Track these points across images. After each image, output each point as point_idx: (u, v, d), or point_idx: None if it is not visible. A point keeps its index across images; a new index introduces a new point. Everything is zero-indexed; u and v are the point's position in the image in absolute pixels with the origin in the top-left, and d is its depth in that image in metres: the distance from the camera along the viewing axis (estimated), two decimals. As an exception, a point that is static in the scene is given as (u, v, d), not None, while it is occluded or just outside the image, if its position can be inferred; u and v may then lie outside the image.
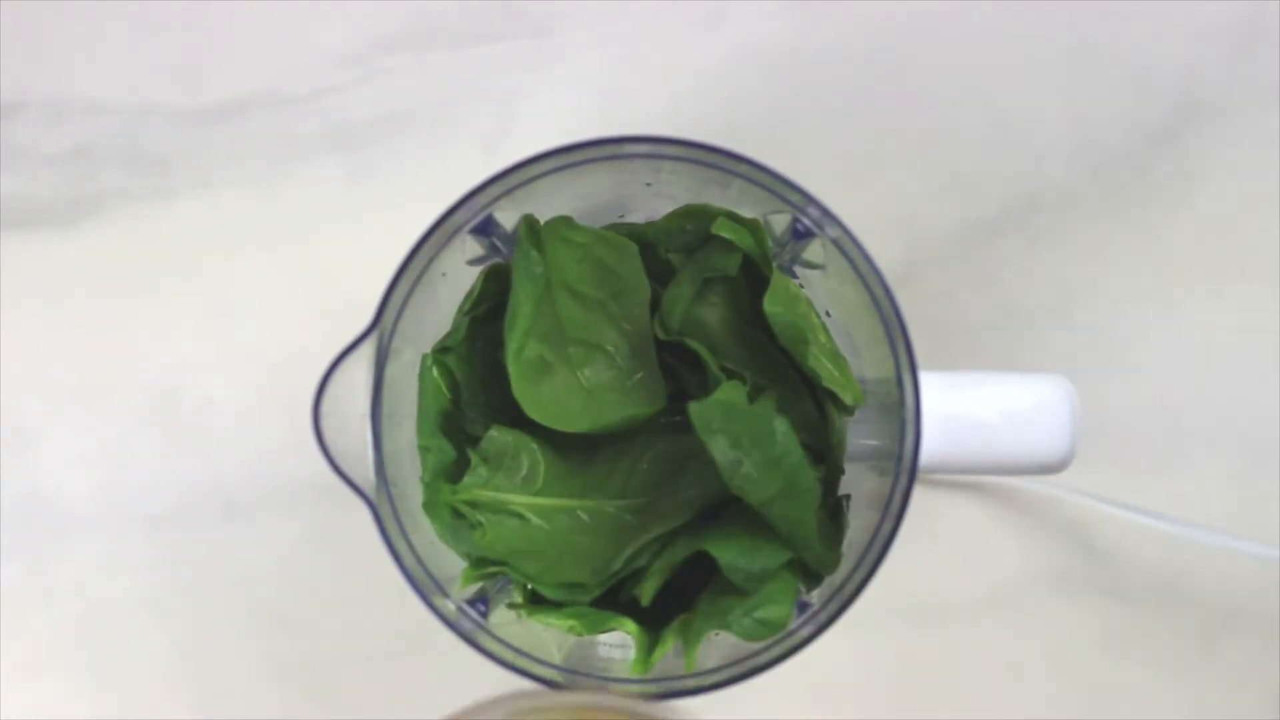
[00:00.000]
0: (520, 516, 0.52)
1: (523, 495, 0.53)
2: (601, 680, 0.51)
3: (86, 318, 0.64)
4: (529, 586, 0.54)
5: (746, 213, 0.54)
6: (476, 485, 0.53)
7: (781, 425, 0.47)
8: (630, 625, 0.52)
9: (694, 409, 0.48)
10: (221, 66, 0.64)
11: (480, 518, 0.52)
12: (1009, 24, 0.64)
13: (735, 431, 0.47)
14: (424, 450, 0.54)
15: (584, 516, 0.53)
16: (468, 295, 0.54)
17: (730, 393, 0.48)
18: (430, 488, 0.53)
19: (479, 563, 0.53)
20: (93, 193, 0.64)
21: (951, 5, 0.64)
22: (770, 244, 0.54)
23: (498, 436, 0.53)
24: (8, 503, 0.63)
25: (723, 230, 0.53)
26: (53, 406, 0.64)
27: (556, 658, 0.52)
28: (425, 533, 0.53)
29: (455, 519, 0.53)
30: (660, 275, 0.54)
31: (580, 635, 0.52)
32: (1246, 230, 0.63)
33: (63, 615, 0.63)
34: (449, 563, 0.53)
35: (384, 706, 0.62)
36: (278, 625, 0.63)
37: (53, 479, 0.64)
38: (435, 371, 0.54)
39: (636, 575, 0.52)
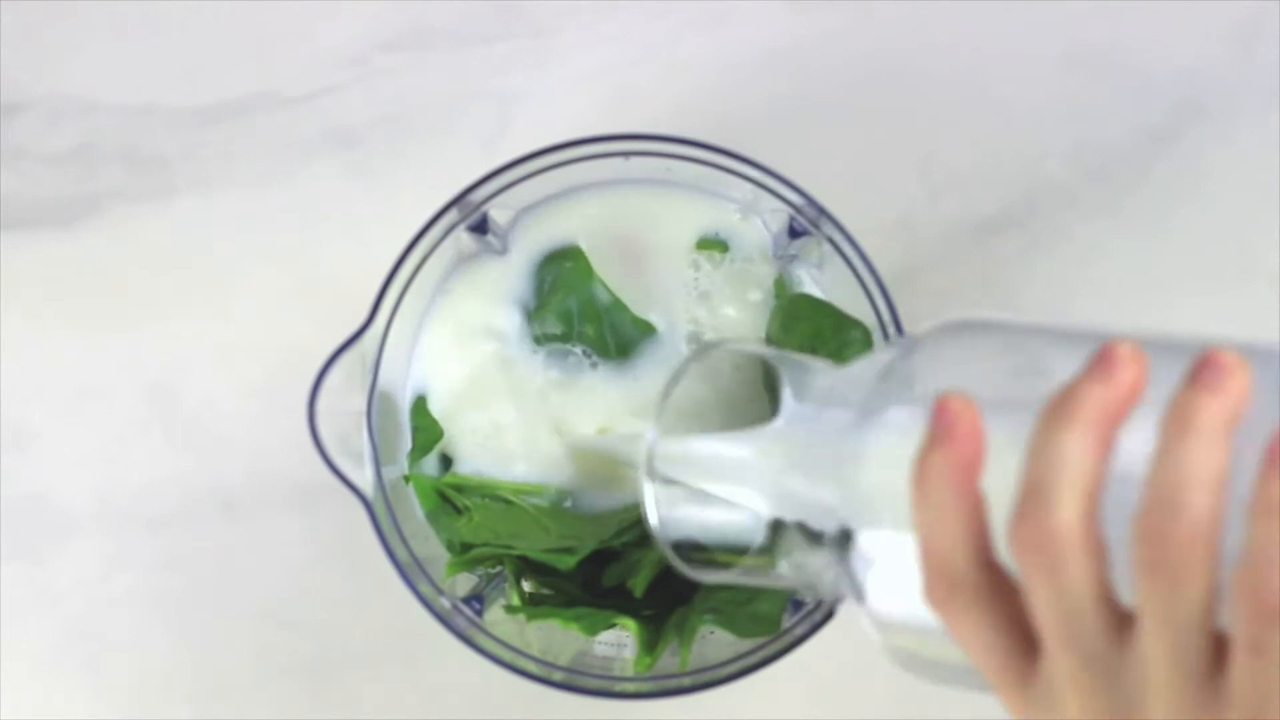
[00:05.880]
0: (507, 501, 0.53)
1: (510, 479, 0.53)
2: (602, 679, 0.52)
3: (86, 318, 0.64)
4: (525, 590, 0.55)
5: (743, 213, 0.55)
6: (464, 470, 0.53)
7: (860, 328, 0.52)
8: (631, 623, 0.52)
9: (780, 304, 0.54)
10: (221, 66, 0.64)
11: (467, 502, 0.52)
12: (1009, 25, 0.64)
13: (818, 324, 0.52)
14: (414, 430, 0.55)
15: (570, 503, 0.53)
16: None
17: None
18: (415, 464, 0.54)
19: (463, 549, 0.53)
20: (93, 193, 0.64)
21: (951, 6, 0.64)
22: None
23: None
24: (8, 503, 0.63)
25: (704, 248, 0.55)
26: (53, 406, 0.64)
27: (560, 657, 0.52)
28: (422, 530, 0.53)
29: (442, 505, 0.53)
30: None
31: (584, 636, 0.52)
32: (1246, 230, 0.63)
33: (63, 615, 0.63)
34: (445, 561, 0.53)
35: (384, 706, 0.62)
36: (278, 625, 0.63)
37: (53, 479, 0.64)
38: None
39: (629, 567, 0.52)
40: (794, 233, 0.52)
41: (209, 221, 0.64)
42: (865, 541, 0.38)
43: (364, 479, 0.50)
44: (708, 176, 0.53)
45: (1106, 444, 0.32)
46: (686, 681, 0.50)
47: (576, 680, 0.51)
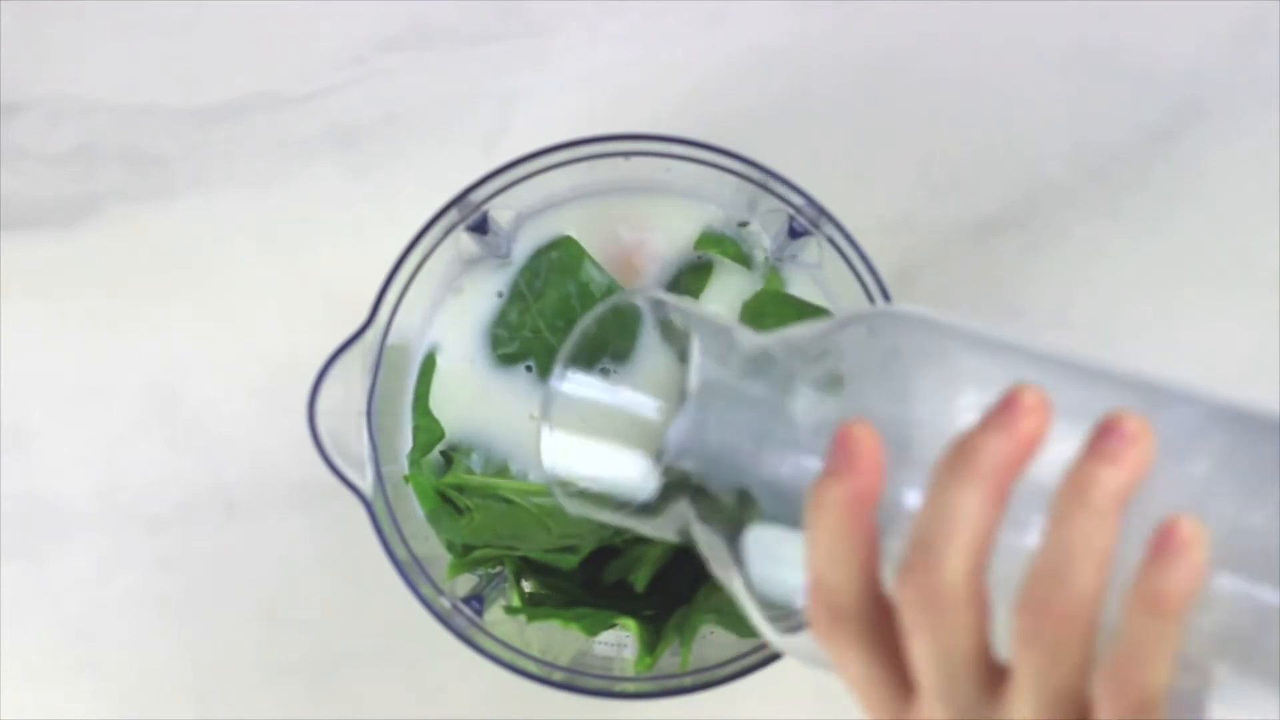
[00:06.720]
0: (508, 501, 0.53)
1: (510, 479, 0.53)
2: (602, 679, 0.52)
3: (86, 318, 0.64)
4: (526, 590, 0.55)
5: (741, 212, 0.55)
6: (465, 470, 0.53)
7: (825, 314, 0.54)
8: (631, 623, 0.52)
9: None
10: (221, 66, 0.64)
11: (468, 503, 0.53)
12: (1009, 25, 0.64)
13: (783, 317, 0.54)
14: (415, 430, 0.55)
15: None
16: None
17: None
18: (415, 464, 0.54)
19: (464, 550, 0.53)
20: (93, 193, 0.64)
21: (951, 5, 0.64)
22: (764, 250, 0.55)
23: None
24: (8, 503, 0.63)
25: (703, 245, 0.55)
26: (53, 406, 0.64)
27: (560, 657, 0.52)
28: (422, 530, 0.53)
29: (442, 505, 0.53)
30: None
31: (584, 636, 0.52)
32: (1246, 230, 0.63)
33: (63, 615, 0.63)
34: (445, 561, 0.53)
35: (384, 706, 0.62)
36: (278, 625, 0.63)
37: (53, 479, 0.64)
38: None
39: (630, 563, 0.52)
40: (794, 233, 0.53)
41: (209, 221, 0.64)
42: (756, 531, 0.37)
43: (364, 479, 0.50)
44: (708, 176, 0.53)
45: (1001, 498, 0.32)
46: (687, 681, 0.50)
47: (576, 680, 0.51)
